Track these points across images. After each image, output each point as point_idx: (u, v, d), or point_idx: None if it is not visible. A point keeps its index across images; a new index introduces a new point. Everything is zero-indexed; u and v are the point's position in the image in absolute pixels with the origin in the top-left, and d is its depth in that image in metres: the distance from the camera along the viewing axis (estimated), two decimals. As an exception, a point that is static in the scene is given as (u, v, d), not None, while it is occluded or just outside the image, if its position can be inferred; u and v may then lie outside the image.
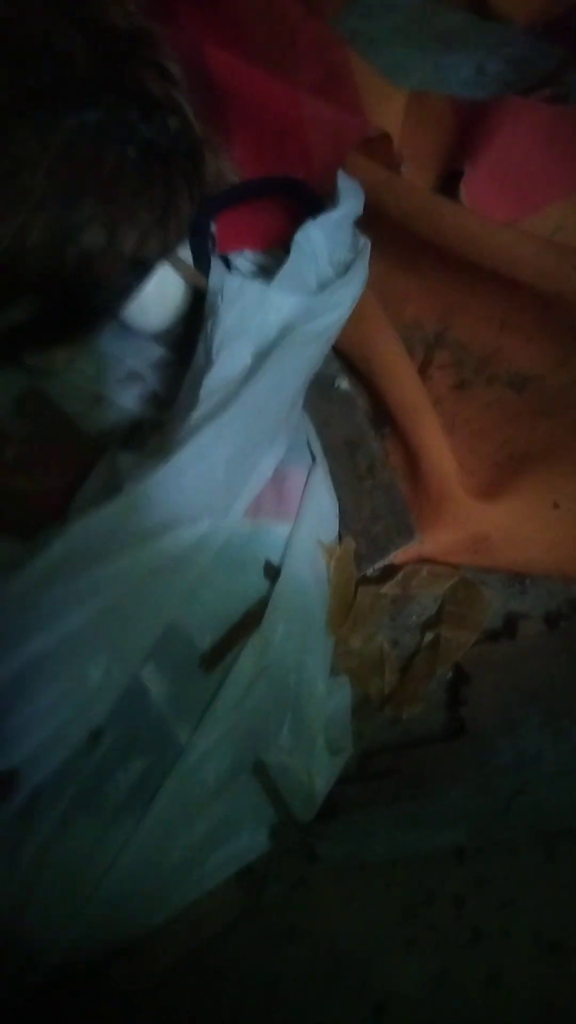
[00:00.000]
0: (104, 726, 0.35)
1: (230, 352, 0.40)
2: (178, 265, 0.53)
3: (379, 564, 0.45)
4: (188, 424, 0.37)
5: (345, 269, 0.47)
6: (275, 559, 0.41)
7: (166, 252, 0.47)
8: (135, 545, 0.33)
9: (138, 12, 0.46)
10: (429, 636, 0.45)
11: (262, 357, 0.41)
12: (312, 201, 0.53)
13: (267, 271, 0.56)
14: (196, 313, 0.55)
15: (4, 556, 0.43)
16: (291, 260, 0.45)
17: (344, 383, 0.51)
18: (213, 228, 0.56)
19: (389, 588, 0.45)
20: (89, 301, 0.46)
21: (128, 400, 0.51)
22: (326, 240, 0.46)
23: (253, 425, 0.37)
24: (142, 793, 0.35)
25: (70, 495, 0.45)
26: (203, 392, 0.39)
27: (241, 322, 0.41)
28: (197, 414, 0.38)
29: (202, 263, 0.54)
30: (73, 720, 0.33)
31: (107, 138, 0.41)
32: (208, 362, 0.40)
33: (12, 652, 0.31)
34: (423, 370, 0.54)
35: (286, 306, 0.43)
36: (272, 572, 0.41)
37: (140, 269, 0.46)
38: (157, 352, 0.55)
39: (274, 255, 0.56)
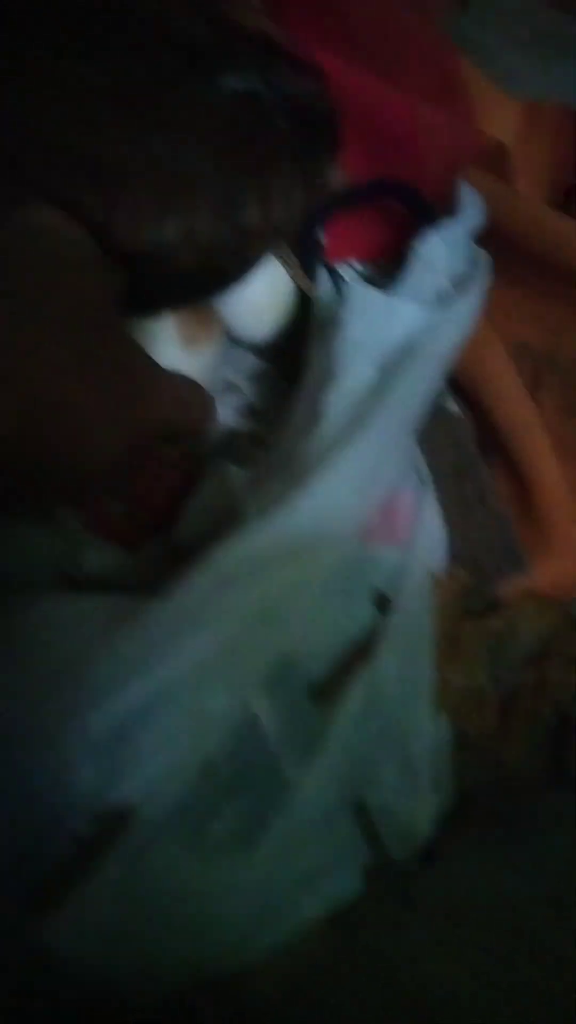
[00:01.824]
0: (217, 760, 0.33)
1: (355, 365, 0.39)
2: (291, 268, 0.52)
3: (486, 596, 0.43)
4: (312, 444, 0.35)
5: (463, 283, 0.45)
6: (385, 587, 0.40)
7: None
8: (264, 574, 0.32)
9: (262, 15, 0.45)
10: (532, 675, 0.43)
11: (387, 372, 0.39)
12: (426, 209, 0.51)
13: (373, 283, 0.54)
14: (297, 322, 0.53)
15: (108, 565, 0.42)
16: (411, 271, 0.43)
17: (452, 404, 0.49)
18: (321, 235, 0.54)
19: (494, 622, 0.43)
20: (233, 277, 0.44)
21: (225, 411, 0.50)
22: (446, 251, 0.45)
23: (382, 449, 0.35)
24: (248, 830, 0.34)
25: (171, 503, 0.44)
26: (326, 408, 0.37)
27: (366, 334, 0.40)
28: (321, 432, 0.36)
29: (310, 270, 0.53)
30: (189, 753, 0.32)
31: (261, 108, 0.39)
32: (330, 375, 0.39)
33: (138, 682, 0.30)
34: (531, 392, 0.52)
35: (410, 318, 0.41)
36: (382, 601, 0.39)
37: (279, 239, 0.45)
38: (254, 362, 0.54)
39: (380, 266, 0.54)
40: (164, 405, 0.35)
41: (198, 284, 0.42)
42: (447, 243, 0.44)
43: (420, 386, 0.38)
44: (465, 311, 0.42)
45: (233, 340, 0.54)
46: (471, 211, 0.45)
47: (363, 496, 0.35)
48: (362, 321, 0.39)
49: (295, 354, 0.54)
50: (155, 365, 0.37)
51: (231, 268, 0.43)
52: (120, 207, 0.37)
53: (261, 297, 0.49)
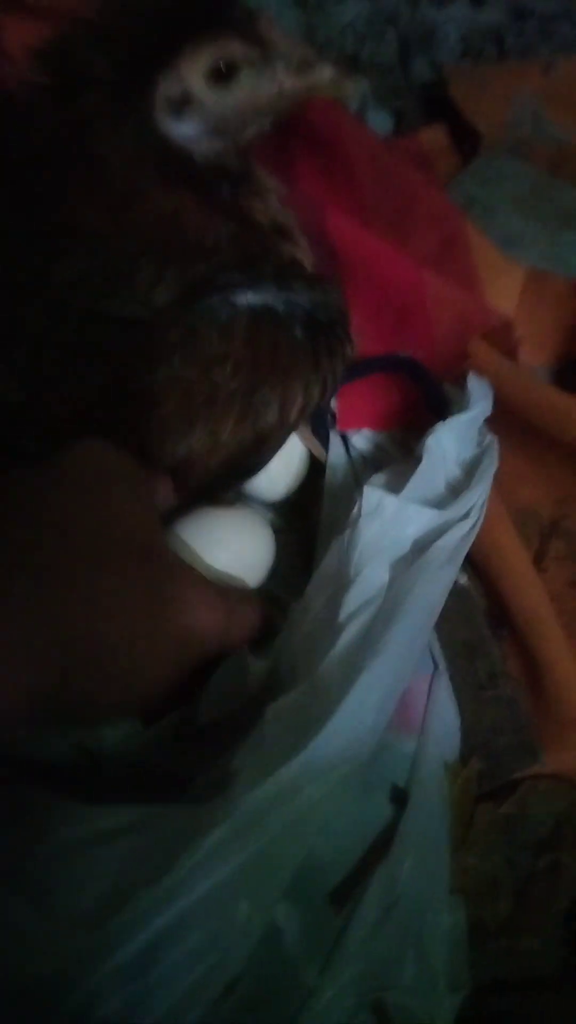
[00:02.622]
0: (240, 974, 0.34)
1: (369, 571, 0.41)
2: (304, 435, 0.54)
3: (499, 782, 0.45)
4: (332, 658, 0.37)
5: (473, 468, 0.47)
6: (401, 781, 0.41)
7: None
8: (291, 798, 0.33)
9: (278, 206, 0.48)
10: (545, 861, 0.44)
11: (400, 573, 0.41)
12: (435, 390, 0.54)
13: (385, 451, 0.57)
14: (309, 482, 0.56)
15: (126, 740, 0.43)
16: (423, 466, 0.46)
17: (463, 578, 0.51)
18: (333, 404, 0.57)
19: (507, 806, 0.44)
20: (251, 472, 0.47)
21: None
22: (455, 442, 0.47)
23: (402, 663, 0.37)
24: (269, 1043, 0.35)
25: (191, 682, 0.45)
26: (343, 616, 0.39)
27: (379, 539, 0.42)
28: (341, 645, 0.38)
29: (321, 437, 0.55)
30: (215, 969, 0.33)
31: (279, 319, 0.42)
32: (346, 582, 0.40)
33: (168, 911, 0.31)
34: (537, 560, 0.53)
35: (422, 518, 0.43)
36: (399, 796, 0.40)
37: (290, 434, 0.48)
38: (268, 518, 0.56)
39: (393, 437, 0.57)
40: (214, 634, 0.37)
41: (219, 481, 0.45)
42: (457, 434, 0.47)
43: (435, 590, 0.40)
44: (476, 503, 0.44)
45: (249, 498, 0.56)
46: (481, 402, 0.48)
47: (385, 711, 0.36)
48: (376, 525, 0.40)
49: (308, 512, 0.56)
50: (206, 586, 0.39)
51: (250, 464, 0.46)
52: (150, 427, 0.40)
53: (275, 463, 0.52)
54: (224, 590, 0.40)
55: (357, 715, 0.35)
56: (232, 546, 0.45)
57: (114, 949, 0.31)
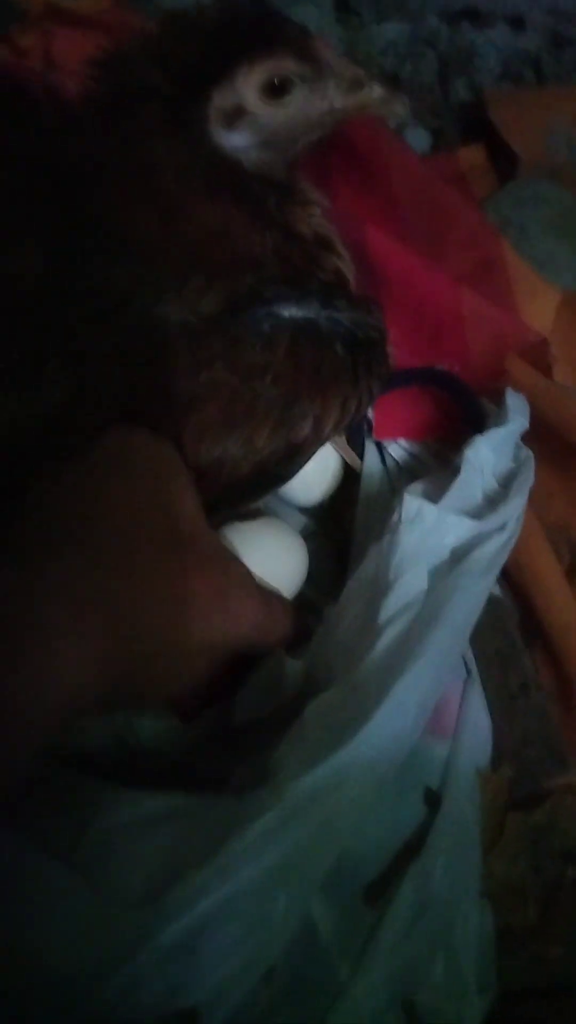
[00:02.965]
0: (277, 964, 0.35)
1: (409, 577, 0.41)
2: (339, 444, 0.55)
3: (529, 791, 0.45)
4: (371, 661, 0.38)
5: (509, 481, 0.48)
6: (434, 784, 0.42)
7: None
8: (328, 797, 0.34)
9: (320, 217, 0.49)
10: (572, 871, 0.45)
11: (439, 580, 0.42)
12: (472, 404, 0.54)
13: (420, 461, 0.58)
14: (343, 489, 0.57)
15: (163, 736, 0.44)
16: (461, 477, 0.46)
17: (496, 589, 0.51)
18: (370, 413, 0.58)
19: (536, 815, 0.45)
20: (277, 482, 0.48)
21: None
22: (493, 455, 0.48)
23: (440, 667, 0.38)
24: (303, 1035, 0.35)
25: (230, 680, 0.46)
26: (382, 619, 0.40)
27: (419, 546, 0.43)
28: (381, 645, 0.39)
29: (357, 445, 0.56)
30: (252, 960, 0.33)
31: (322, 335, 0.43)
32: (385, 586, 0.41)
33: (209, 899, 0.32)
34: (570, 575, 0.54)
35: (461, 528, 0.44)
36: (432, 798, 0.41)
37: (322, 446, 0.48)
38: (302, 522, 0.57)
39: (429, 447, 0.58)
40: (257, 630, 0.38)
41: (250, 488, 0.46)
42: (495, 447, 0.47)
43: (473, 598, 0.41)
44: (512, 515, 0.45)
45: (283, 502, 0.57)
46: (518, 417, 0.49)
47: (423, 713, 0.37)
48: (416, 533, 0.41)
49: (341, 518, 0.57)
50: (248, 577, 0.39)
51: (280, 473, 0.46)
52: (188, 430, 0.41)
53: (310, 469, 0.52)
54: (265, 589, 0.41)
55: (396, 716, 0.36)
56: (266, 558, 0.46)
57: (157, 932, 0.32)
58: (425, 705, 0.37)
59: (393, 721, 0.35)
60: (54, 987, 0.30)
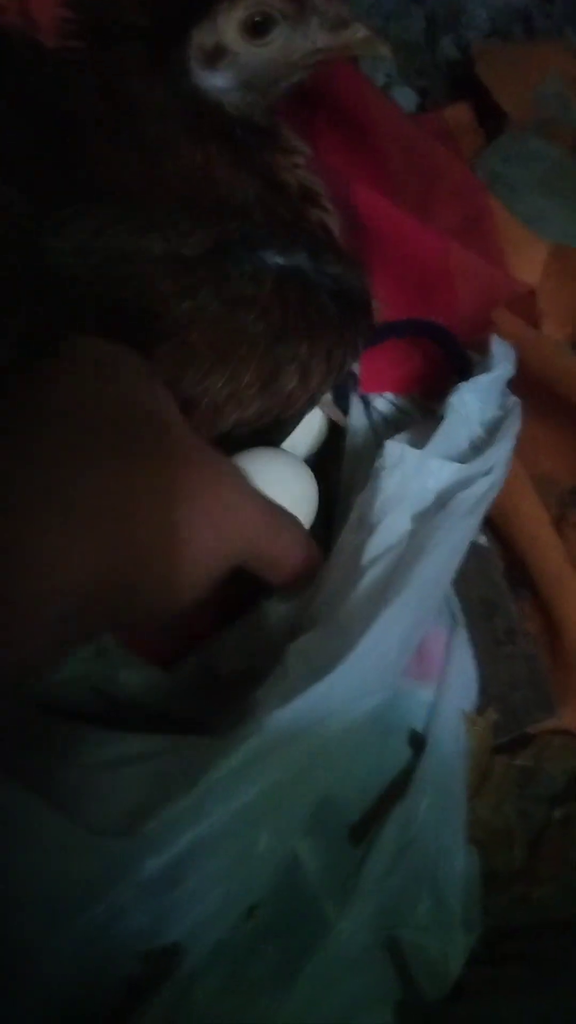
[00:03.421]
0: (260, 901, 0.35)
1: (391, 519, 0.41)
2: (323, 402, 0.55)
3: (515, 734, 0.45)
4: (354, 599, 0.38)
5: (495, 428, 0.48)
6: (419, 726, 0.42)
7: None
8: (311, 730, 0.34)
9: (305, 168, 0.49)
10: (559, 812, 0.45)
11: (422, 523, 0.42)
12: (459, 354, 0.54)
13: (409, 415, 0.58)
14: (328, 444, 0.57)
15: (145, 685, 0.44)
16: (446, 423, 0.46)
17: (482, 538, 0.51)
18: (356, 368, 0.58)
19: (522, 759, 0.45)
20: (263, 439, 0.47)
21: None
22: (478, 402, 0.48)
23: (421, 604, 0.38)
24: (287, 969, 0.35)
25: (210, 625, 0.46)
26: (365, 560, 0.40)
27: (401, 489, 0.42)
28: (363, 586, 0.38)
29: (342, 401, 0.56)
30: (235, 895, 0.33)
31: (309, 282, 0.42)
32: (368, 529, 0.41)
33: (191, 831, 0.32)
34: (558, 527, 0.54)
35: (444, 471, 0.44)
36: (417, 741, 0.41)
37: (311, 406, 0.48)
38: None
39: (415, 400, 0.57)
40: (256, 533, 0.35)
41: (242, 445, 0.45)
42: (480, 394, 0.47)
43: (456, 537, 0.41)
44: (498, 459, 0.45)
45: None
46: (504, 364, 0.48)
47: (405, 650, 0.37)
48: (397, 476, 0.41)
49: (327, 474, 0.57)
50: (247, 482, 0.38)
51: (270, 431, 0.46)
52: (172, 356, 0.40)
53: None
54: (273, 504, 0.38)
55: (378, 650, 0.36)
56: (275, 484, 0.44)
57: (139, 864, 0.32)
58: (407, 641, 0.37)
59: (374, 655, 0.35)
60: (41, 906, 0.30)
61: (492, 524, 0.52)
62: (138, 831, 0.31)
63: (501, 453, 0.46)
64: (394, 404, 0.58)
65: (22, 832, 0.31)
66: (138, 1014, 0.32)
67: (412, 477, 0.43)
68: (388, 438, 0.48)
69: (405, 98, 0.77)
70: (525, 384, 0.53)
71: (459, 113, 0.76)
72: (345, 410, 0.57)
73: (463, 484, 0.44)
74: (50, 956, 0.30)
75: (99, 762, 0.34)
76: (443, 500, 0.43)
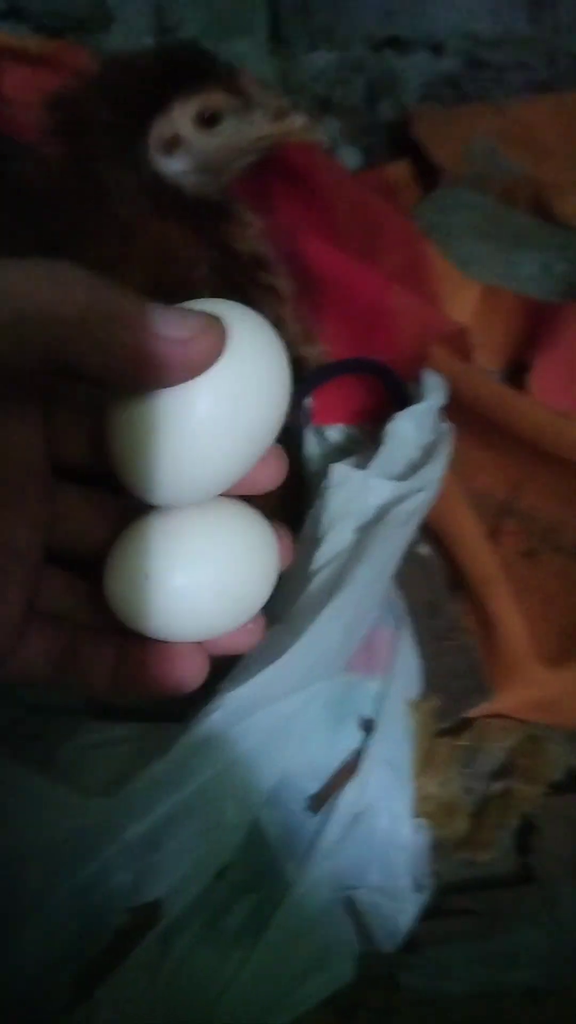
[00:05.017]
0: (230, 863, 0.40)
1: (336, 532, 0.47)
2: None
3: (456, 718, 0.51)
4: (303, 601, 0.44)
5: (430, 451, 0.55)
6: (368, 713, 0.48)
7: None
8: (267, 709, 0.40)
9: (256, 238, 0.55)
10: (499, 786, 0.50)
11: (364, 534, 0.48)
12: (398, 387, 0.61)
13: (358, 443, 0.64)
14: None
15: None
16: (385, 447, 0.52)
17: (424, 548, 0.58)
18: (308, 403, 0.64)
19: (463, 740, 0.51)
20: None
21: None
22: (414, 428, 0.54)
23: (362, 600, 0.44)
24: (255, 923, 0.41)
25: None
26: (313, 567, 0.46)
27: (346, 505, 0.49)
28: (310, 590, 0.45)
29: (295, 435, 0.62)
30: (207, 857, 0.39)
31: None
32: (316, 541, 0.47)
33: (168, 799, 0.37)
34: (494, 535, 0.60)
35: (384, 489, 0.50)
36: (367, 725, 0.47)
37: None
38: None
39: (363, 429, 0.64)
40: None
41: None
42: (415, 421, 0.54)
43: (393, 545, 0.47)
44: (431, 478, 0.51)
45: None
46: (435, 394, 0.55)
47: (348, 638, 0.43)
48: (343, 494, 0.47)
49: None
50: None
51: None
52: None
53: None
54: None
55: (324, 636, 0.41)
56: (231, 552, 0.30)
57: (123, 827, 0.37)
58: (350, 632, 0.43)
59: (322, 641, 0.41)
60: (44, 861, 0.35)
61: (434, 535, 0.58)
62: (120, 791, 0.36)
63: (434, 472, 0.52)
64: (344, 434, 0.64)
65: (28, 800, 0.37)
66: (126, 959, 0.37)
67: (355, 495, 0.49)
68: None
69: (351, 156, 0.85)
70: (460, 410, 0.60)
71: (399, 169, 0.83)
72: (298, 443, 0.63)
73: (400, 499, 0.50)
74: (52, 904, 0.35)
75: (90, 743, 0.40)
76: (382, 514, 0.50)
